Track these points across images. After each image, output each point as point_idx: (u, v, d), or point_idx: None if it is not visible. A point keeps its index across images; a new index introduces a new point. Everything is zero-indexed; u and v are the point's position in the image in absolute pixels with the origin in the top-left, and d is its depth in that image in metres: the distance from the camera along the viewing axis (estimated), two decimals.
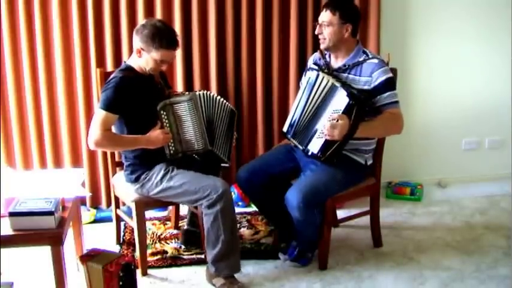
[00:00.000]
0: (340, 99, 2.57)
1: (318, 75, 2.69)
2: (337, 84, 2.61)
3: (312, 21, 3.39)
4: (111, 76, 2.69)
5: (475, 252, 3.03)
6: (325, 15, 2.73)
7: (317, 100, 2.68)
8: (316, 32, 2.80)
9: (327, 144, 2.63)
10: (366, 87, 2.69)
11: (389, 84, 2.71)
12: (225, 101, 2.90)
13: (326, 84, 2.65)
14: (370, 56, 2.75)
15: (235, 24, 3.40)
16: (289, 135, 2.83)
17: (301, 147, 2.76)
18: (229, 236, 2.62)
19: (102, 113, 2.58)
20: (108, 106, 2.58)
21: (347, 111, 2.56)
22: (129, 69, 2.72)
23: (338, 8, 2.70)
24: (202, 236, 2.92)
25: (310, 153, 2.71)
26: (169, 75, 3.27)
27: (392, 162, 3.55)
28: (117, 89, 2.59)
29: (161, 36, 2.60)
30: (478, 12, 3.76)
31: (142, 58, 2.66)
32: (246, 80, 3.49)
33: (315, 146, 2.68)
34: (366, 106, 2.61)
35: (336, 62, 2.81)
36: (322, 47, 2.79)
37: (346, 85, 2.63)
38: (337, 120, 2.56)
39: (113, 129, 2.68)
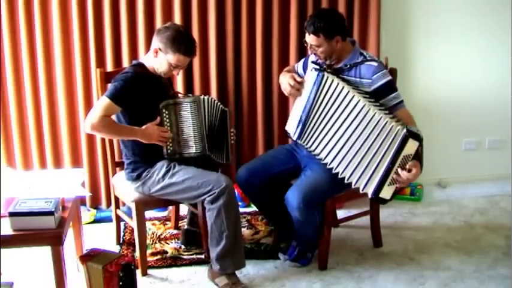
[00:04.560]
0: (410, 145, 2.49)
1: (361, 103, 2.56)
2: (401, 129, 2.49)
3: None
4: (124, 70, 2.74)
5: (475, 252, 3.03)
6: (310, 39, 2.72)
7: (375, 141, 2.55)
8: (309, 53, 2.83)
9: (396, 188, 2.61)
10: (365, 89, 2.69)
11: (391, 86, 2.72)
12: (218, 102, 2.89)
13: (387, 126, 2.52)
14: (368, 58, 2.76)
15: (235, 24, 3.40)
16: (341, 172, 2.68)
17: (365, 191, 2.63)
18: (233, 231, 2.62)
19: (107, 100, 2.60)
20: (114, 96, 2.61)
21: (416, 155, 2.53)
22: (141, 66, 2.75)
23: (318, 29, 2.66)
24: (202, 236, 2.93)
25: (379, 199, 2.63)
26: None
27: None
28: (127, 82, 2.63)
29: (181, 41, 2.65)
30: (478, 13, 3.76)
31: (157, 59, 2.69)
32: (246, 80, 3.49)
33: (387, 194, 2.61)
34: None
35: (337, 64, 2.81)
36: (320, 61, 2.79)
37: (403, 124, 2.53)
38: (410, 169, 2.52)
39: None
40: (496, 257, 2.98)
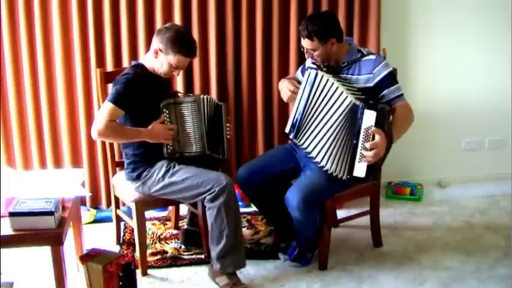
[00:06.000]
0: (367, 115, 2.50)
1: (348, 99, 2.58)
2: (357, 102, 2.53)
3: None
4: (124, 72, 2.74)
5: (475, 252, 3.03)
6: (306, 43, 2.73)
7: (343, 122, 2.60)
8: (306, 57, 2.84)
9: (370, 164, 2.56)
10: (367, 84, 2.70)
11: (393, 77, 2.73)
12: (215, 99, 2.91)
13: (344, 101, 2.58)
14: (365, 53, 2.76)
15: (235, 24, 3.40)
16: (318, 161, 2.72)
17: (344, 177, 2.63)
18: (233, 230, 2.62)
19: (110, 105, 2.61)
20: (116, 100, 2.61)
21: (378, 124, 2.50)
22: (141, 67, 2.76)
23: (312, 33, 2.67)
24: (202, 236, 2.93)
25: (356, 179, 2.60)
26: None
27: (392, 162, 3.52)
28: (127, 85, 2.64)
29: (182, 42, 2.66)
30: (478, 13, 3.75)
31: (158, 59, 2.70)
32: (246, 80, 3.49)
33: (360, 171, 2.56)
34: (387, 110, 2.58)
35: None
36: (318, 64, 2.79)
37: (360, 97, 2.56)
38: (373, 137, 2.50)
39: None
40: (496, 257, 2.98)
